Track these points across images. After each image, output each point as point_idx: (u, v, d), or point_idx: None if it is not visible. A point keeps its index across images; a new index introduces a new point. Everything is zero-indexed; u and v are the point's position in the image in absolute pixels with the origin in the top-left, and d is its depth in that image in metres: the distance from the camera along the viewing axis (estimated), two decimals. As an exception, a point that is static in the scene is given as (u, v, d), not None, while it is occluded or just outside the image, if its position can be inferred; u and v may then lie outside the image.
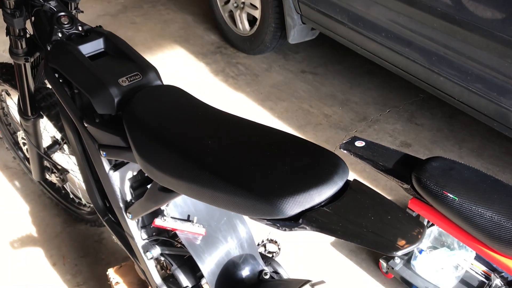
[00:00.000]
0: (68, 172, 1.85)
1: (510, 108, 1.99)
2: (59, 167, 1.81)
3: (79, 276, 1.91)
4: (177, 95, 1.15)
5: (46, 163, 1.84)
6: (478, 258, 1.83)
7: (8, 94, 2.06)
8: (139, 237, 1.35)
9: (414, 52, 2.25)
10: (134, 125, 1.08)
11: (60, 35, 1.32)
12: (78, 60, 1.22)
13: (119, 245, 1.49)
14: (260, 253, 1.31)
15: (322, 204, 0.83)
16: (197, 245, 1.23)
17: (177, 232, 1.22)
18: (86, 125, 1.25)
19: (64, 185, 1.99)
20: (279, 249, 1.56)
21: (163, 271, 1.43)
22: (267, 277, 1.24)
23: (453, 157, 2.49)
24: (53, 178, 1.87)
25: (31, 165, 1.86)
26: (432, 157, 1.59)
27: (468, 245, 1.55)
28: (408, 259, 1.88)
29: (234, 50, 3.33)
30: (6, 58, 2.97)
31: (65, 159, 1.98)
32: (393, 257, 1.89)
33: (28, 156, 1.96)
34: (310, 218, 0.81)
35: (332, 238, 2.06)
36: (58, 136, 1.83)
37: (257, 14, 3.02)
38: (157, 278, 1.38)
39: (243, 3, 3.07)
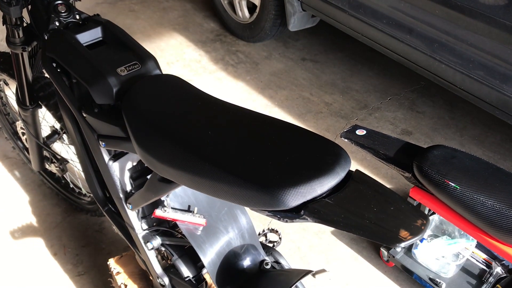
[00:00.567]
0: (68, 162, 1.84)
1: (512, 96, 1.97)
2: (59, 157, 1.80)
3: (80, 265, 1.91)
4: (176, 84, 1.14)
5: (45, 153, 1.83)
6: (479, 246, 1.83)
7: (6, 84, 2.04)
8: (139, 228, 1.34)
9: (415, 39, 2.23)
10: (133, 115, 1.07)
11: (57, 23, 1.30)
12: (76, 49, 1.20)
13: (120, 235, 1.48)
14: (261, 243, 1.30)
15: (324, 195, 0.82)
16: (197, 235, 1.22)
17: (178, 222, 1.22)
18: (84, 115, 1.24)
19: (64, 175, 1.98)
20: (280, 238, 1.56)
21: (164, 261, 1.43)
22: (268, 267, 1.23)
23: (454, 145, 2.48)
24: (52, 168, 1.86)
25: (31, 155, 1.85)
26: (433, 146, 1.58)
27: (469, 234, 1.55)
28: (409, 247, 1.88)
29: (234, 38, 3.30)
30: (3, 47, 2.96)
31: (65, 148, 1.97)
32: (394, 246, 1.89)
33: (27, 146, 1.95)
34: (312, 210, 0.80)
35: (332, 227, 2.06)
36: (57, 126, 1.82)
37: (256, 1, 2.98)
38: (157, 268, 1.38)
39: (243, -10, 3.05)
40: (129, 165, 1.31)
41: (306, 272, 1.12)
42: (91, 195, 1.93)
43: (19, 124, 1.98)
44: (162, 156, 0.98)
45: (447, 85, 2.24)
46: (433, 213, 1.86)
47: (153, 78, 1.16)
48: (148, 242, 1.34)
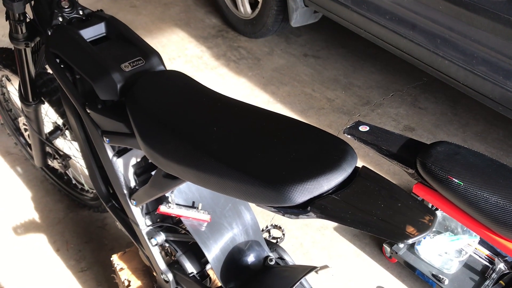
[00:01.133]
0: (70, 158, 1.84)
1: (516, 92, 1.97)
2: (61, 153, 1.80)
3: (83, 261, 1.91)
4: (181, 80, 1.13)
5: (48, 149, 1.83)
6: (482, 242, 1.83)
7: (9, 80, 2.04)
8: (143, 224, 1.34)
9: (418, 35, 2.22)
10: (138, 111, 1.06)
11: (60, 19, 1.30)
12: (80, 45, 1.20)
13: (123, 231, 1.48)
14: (265, 239, 1.30)
15: (331, 191, 0.81)
16: (202, 231, 1.22)
17: (182, 218, 1.22)
18: (88, 111, 1.23)
19: (67, 171, 1.98)
20: (283, 234, 1.56)
21: (168, 257, 1.43)
22: (272, 263, 1.23)
23: (457, 141, 2.48)
24: (55, 164, 1.86)
25: (33, 151, 1.85)
26: (437, 142, 1.58)
27: (473, 230, 1.55)
28: (411, 243, 1.88)
29: (236, 33, 3.29)
30: (6, 43, 2.95)
31: (67, 144, 1.97)
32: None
33: (29, 142, 1.95)
34: (318, 206, 0.80)
35: (335, 223, 2.06)
36: (60, 122, 1.82)
37: (258, -4, 2.98)
38: (161, 264, 1.38)
39: (245, -15, 3.04)
40: (133, 161, 1.31)
41: (311, 269, 1.12)
42: (94, 191, 1.93)
43: (22, 120, 1.98)
44: (167, 152, 0.98)
45: (450, 81, 2.24)
46: (436, 209, 1.86)
47: (157, 74, 1.15)
48: (152, 238, 1.34)
